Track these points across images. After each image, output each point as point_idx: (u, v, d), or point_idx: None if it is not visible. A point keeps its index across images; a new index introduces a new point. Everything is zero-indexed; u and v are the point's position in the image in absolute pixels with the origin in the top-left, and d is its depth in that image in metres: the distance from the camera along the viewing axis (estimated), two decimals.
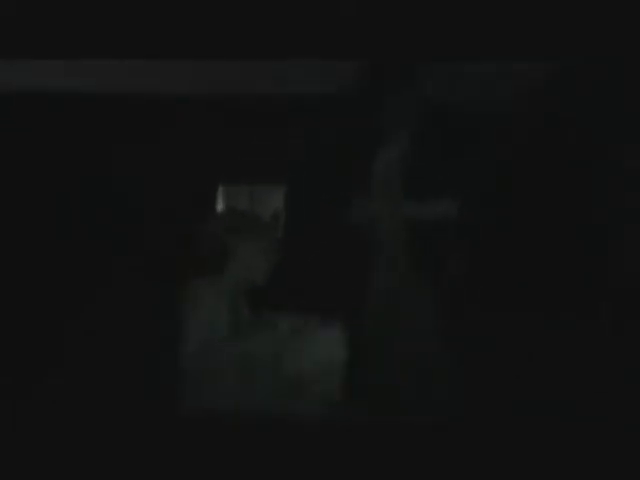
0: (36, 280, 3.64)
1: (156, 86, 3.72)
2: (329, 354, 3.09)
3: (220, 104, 3.78)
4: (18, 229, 3.68)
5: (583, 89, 3.35)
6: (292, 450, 2.93)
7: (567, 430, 2.93)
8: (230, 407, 3.05)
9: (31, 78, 3.66)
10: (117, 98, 3.69)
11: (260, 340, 3.14)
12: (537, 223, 3.46)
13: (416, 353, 3.16)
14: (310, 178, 3.26)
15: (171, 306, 3.19)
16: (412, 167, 3.21)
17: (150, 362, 3.14)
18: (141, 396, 3.06)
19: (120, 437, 2.95)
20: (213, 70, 3.81)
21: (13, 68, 3.61)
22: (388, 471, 2.91)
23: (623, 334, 3.28)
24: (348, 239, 3.18)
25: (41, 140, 3.73)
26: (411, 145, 3.22)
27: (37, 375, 3.41)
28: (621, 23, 3.06)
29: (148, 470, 2.87)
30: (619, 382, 3.19)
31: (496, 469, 2.87)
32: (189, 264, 3.28)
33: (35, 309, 3.59)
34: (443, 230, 3.23)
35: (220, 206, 3.56)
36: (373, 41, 3.21)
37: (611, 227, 3.33)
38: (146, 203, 3.70)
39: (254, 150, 3.72)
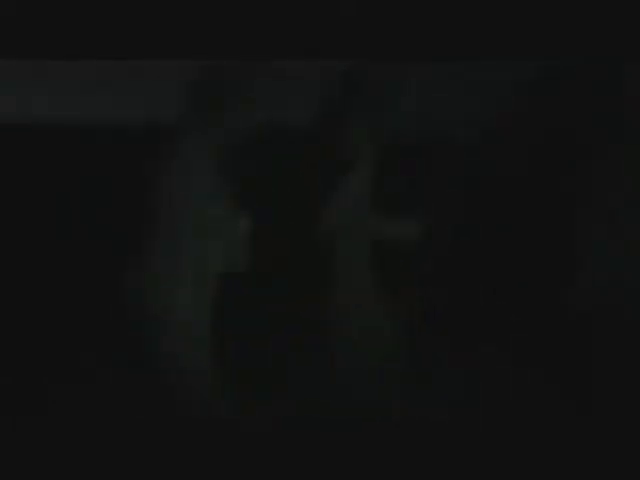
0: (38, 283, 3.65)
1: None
2: None
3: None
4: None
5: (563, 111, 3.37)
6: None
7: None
8: None
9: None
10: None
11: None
12: (505, 248, 3.49)
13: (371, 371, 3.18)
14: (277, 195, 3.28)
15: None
16: (379, 186, 3.23)
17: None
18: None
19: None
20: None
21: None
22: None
23: (590, 361, 3.30)
24: (312, 253, 3.19)
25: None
26: (378, 166, 3.24)
27: (39, 375, 3.43)
28: (621, 23, 3.06)
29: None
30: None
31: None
32: None
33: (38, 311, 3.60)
34: (409, 251, 3.25)
35: None
36: (373, 41, 3.22)
37: (588, 251, 3.36)
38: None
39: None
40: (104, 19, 3.29)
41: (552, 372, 3.30)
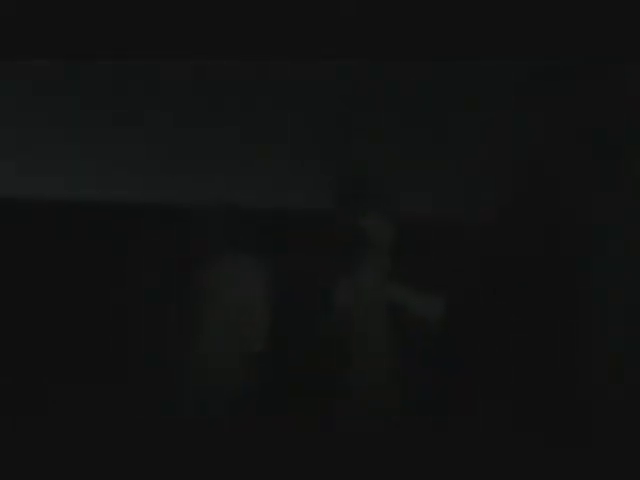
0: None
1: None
2: None
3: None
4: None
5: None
6: None
7: None
8: None
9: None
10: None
11: None
12: (519, 328, 3.51)
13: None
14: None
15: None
16: (396, 263, 3.24)
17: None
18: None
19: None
20: None
21: None
22: None
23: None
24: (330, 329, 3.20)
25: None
26: (394, 244, 3.26)
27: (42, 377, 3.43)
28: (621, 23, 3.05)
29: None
30: None
31: None
32: None
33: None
34: (426, 326, 3.25)
35: None
36: (373, 41, 3.21)
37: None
38: None
39: None
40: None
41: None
